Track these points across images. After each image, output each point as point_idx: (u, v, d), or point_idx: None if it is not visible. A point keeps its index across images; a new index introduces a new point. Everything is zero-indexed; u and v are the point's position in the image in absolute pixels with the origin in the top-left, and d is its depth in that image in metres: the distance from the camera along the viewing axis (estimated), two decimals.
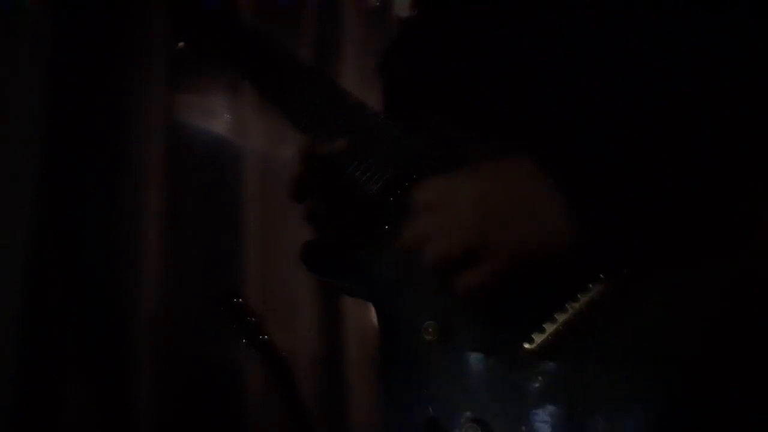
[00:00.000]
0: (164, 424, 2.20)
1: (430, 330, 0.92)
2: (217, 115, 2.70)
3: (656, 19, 0.90)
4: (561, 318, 0.83)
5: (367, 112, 1.14)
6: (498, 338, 0.87)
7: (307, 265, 1.15)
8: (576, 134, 0.88)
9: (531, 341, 0.83)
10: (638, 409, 0.76)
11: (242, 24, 1.38)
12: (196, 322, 2.35)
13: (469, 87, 1.03)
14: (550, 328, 0.83)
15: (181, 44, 1.41)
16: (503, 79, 1.00)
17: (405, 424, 0.93)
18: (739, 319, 0.78)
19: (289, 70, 1.25)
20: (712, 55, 0.85)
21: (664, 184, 0.81)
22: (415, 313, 0.95)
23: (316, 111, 1.17)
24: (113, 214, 2.32)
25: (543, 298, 0.84)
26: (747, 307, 0.78)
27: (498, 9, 1.04)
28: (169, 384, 2.26)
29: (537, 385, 0.82)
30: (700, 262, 0.80)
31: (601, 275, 0.82)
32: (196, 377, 2.35)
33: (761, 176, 0.81)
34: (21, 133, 2.15)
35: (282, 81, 1.24)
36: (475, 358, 0.88)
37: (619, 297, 0.82)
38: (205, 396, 2.34)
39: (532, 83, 0.97)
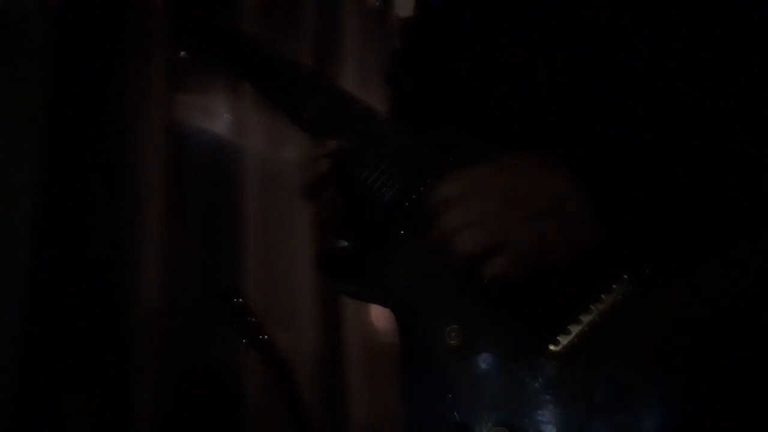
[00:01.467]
0: (164, 424, 2.20)
1: (453, 334, 0.90)
2: (217, 115, 2.70)
3: (672, 18, 0.90)
4: (586, 319, 0.82)
5: (377, 117, 1.13)
6: (523, 340, 0.86)
7: (323, 273, 1.13)
8: (590, 135, 0.88)
9: (557, 343, 0.83)
10: (663, 409, 0.76)
11: (245, 34, 1.37)
12: (196, 322, 2.35)
13: (477, 92, 1.02)
14: (575, 329, 0.82)
15: (182, 53, 1.41)
16: (512, 82, 0.99)
17: (429, 431, 0.91)
18: (759, 320, 0.77)
19: (295, 78, 1.24)
20: (729, 58, 0.85)
21: (683, 183, 0.81)
22: (436, 318, 0.93)
23: (325, 117, 1.16)
24: (114, 214, 2.32)
25: (567, 299, 0.84)
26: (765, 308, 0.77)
27: (504, 11, 1.03)
28: (169, 384, 2.26)
29: (564, 386, 0.81)
30: (720, 262, 0.80)
31: (624, 276, 0.82)
32: (196, 377, 2.35)
33: None
34: (21, 132, 2.16)
35: (288, 89, 1.23)
36: (500, 361, 0.87)
37: (642, 298, 0.81)
38: (205, 396, 2.34)
39: (542, 85, 0.96)
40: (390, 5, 3.01)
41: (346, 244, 1.14)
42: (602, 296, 0.83)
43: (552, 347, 0.83)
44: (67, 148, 2.24)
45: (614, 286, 0.82)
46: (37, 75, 2.20)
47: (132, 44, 2.43)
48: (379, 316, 2.65)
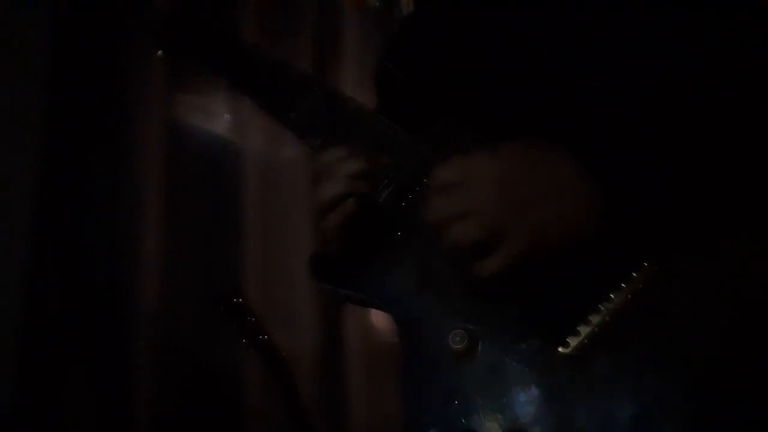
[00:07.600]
0: (164, 424, 2.20)
1: (458, 338, 0.87)
2: (217, 115, 2.70)
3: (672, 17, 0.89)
4: (595, 320, 0.80)
5: (369, 116, 1.10)
6: (531, 343, 0.83)
7: (318, 278, 1.10)
8: (591, 127, 0.86)
9: (566, 345, 0.81)
10: (680, 412, 0.75)
11: (234, 37, 1.34)
12: (196, 322, 2.35)
13: (475, 88, 1.00)
14: (584, 330, 0.80)
15: (159, 53, 1.37)
16: (507, 76, 0.98)
17: None
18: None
19: (282, 78, 1.21)
20: (737, 52, 0.84)
21: (693, 172, 0.79)
22: (440, 322, 0.90)
23: (315, 117, 1.12)
24: (113, 214, 2.32)
25: (575, 299, 0.82)
26: None
27: (504, 7, 1.03)
28: (169, 384, 2.26)
29: (575, 390, 0.79)
30: (732, 258, 0.78)
31: (633, 274, 0.80)
32: (196, 377, 2.35)
33: None
34: (21, 132, 2.15)
35: (277, 92, 1.19)
36: (508, 365, 0.84)
37: (652, 296, 0.79)
38: (204, 396, 2.34)
39: (541, 81, 0.95)
40: (390, 5, 3.01)
41: (341, 248, 1.08)
42: (611, 295, 0.80)
43: (561, 350, 0.81)
44: (67, 148, 2.24)
45: (623, 285, 0.80)
46: (38, 74, 2.19)
47: (132, 44, 2.43)
48: (380, 315, 2.65)
